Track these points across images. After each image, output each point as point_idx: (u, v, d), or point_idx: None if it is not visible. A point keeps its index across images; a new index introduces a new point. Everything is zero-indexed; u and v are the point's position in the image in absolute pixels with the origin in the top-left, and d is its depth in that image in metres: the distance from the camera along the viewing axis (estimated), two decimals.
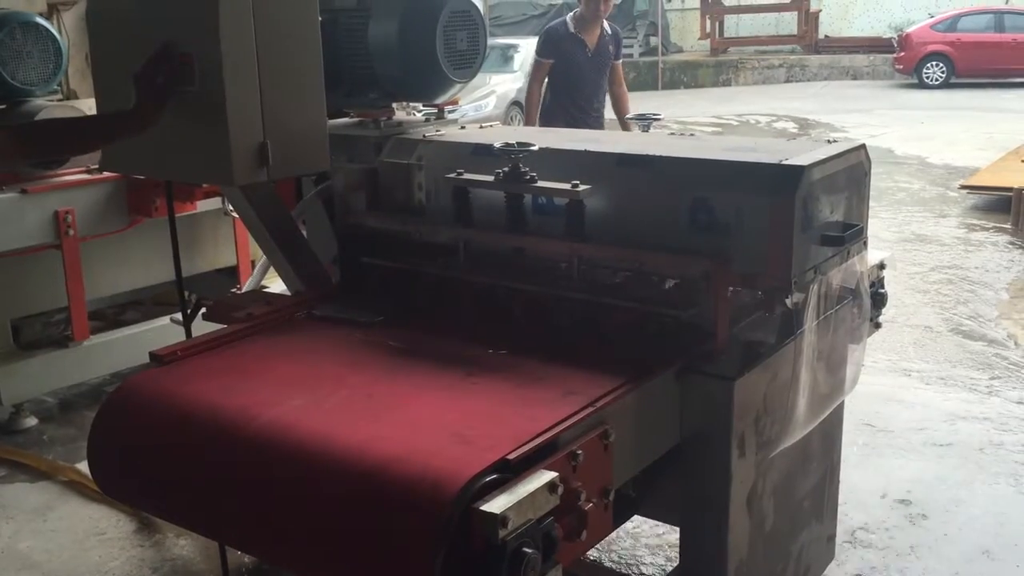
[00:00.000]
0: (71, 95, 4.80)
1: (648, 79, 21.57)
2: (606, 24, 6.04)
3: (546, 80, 6.08)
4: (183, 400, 2.06)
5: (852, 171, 2.41)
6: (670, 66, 22.48)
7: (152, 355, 2.28)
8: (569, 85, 5.97)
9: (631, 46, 22.54)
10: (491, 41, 14.95)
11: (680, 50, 25.16)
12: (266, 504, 1.87)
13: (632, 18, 23.33)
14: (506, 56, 14.45)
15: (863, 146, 2.49)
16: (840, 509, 3.08)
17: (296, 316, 2.56)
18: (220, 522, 2.02)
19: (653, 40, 22.97)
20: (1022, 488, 3.74)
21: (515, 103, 13.33)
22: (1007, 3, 21.90)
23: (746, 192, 2.18)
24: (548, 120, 5.98)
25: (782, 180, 2.15)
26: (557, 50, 5.95)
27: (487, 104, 13.28)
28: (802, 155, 2.25)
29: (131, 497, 2.36)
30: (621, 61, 6.22)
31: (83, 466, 3.78)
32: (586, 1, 5.87)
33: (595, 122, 6.00)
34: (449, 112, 3.03)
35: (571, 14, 6.04)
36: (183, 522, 2.29)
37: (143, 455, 2.09)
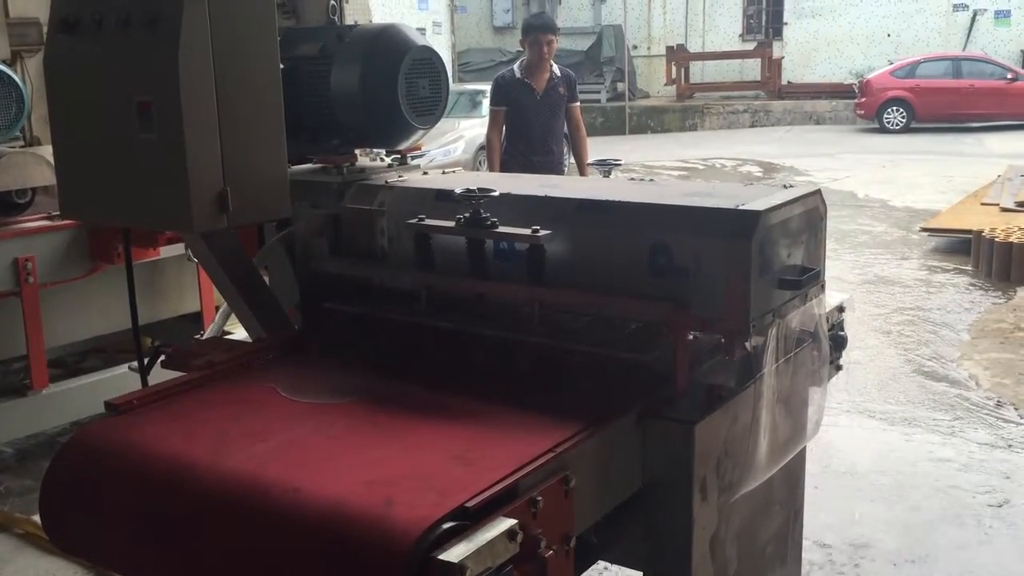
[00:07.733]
0: (34, 142, 4.76)
1: (616, 124, 21.86)
2: (556, 67, 6.10)
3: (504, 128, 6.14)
4: (138, 450, 2.02)
5: (808, 215, 2.44)
6: (637, 111, 22.78)
7: (107, 404, 2.24)
8: (520, 130, 6.02)
9: (599, 91, 22.86)
10: (460, 87, 15.17)
11: (647, 95, 25.51)
12: (225, 557, 1.84)
13: (599, 64, 23.68)
14: (474, 101, 14.61)
15: (819, 191, 2.52)
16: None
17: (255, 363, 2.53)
18: None
19: (620, 86, 23.30)
20: (985, 529, 3.76)
21: (483, 147, 13.39)
22: (964, 50, 22.47)
23: (704, 237, 2.20)
24: (505, 167, 6.01)
25: (739, 225, 2.17)
26: (507, 97, 6.02)
27: (456, 148, 13.44)
28: (758, 200, 2.28)
29: (85, 551, 2.29)
30: (578, 104, 6.24)
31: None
32: (529, 46, 5.95)
33: (553, 167, 6.04)
34: (414, 157, 3.04)
35: (519, 61, 6.12)
36: None
37: (97, 507, 2.05)
